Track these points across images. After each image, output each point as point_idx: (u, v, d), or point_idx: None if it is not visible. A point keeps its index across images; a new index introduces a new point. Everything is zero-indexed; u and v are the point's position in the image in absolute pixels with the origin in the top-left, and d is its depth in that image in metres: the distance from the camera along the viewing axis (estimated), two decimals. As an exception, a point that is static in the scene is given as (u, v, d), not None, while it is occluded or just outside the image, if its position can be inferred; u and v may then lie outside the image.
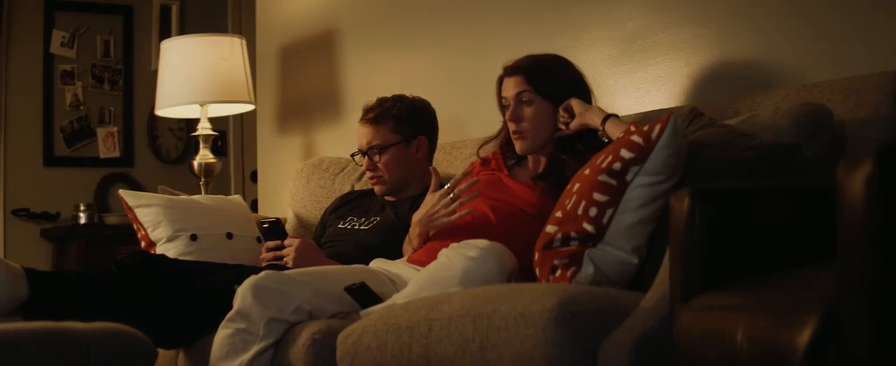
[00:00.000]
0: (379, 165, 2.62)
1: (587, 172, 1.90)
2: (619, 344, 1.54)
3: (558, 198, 2.03)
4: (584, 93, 2.25)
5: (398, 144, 2.61)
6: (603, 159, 1.87)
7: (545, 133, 2.22)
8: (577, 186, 1.91)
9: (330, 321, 2.05)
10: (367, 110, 2.66)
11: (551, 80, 2.24)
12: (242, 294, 2.04)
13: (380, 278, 2.23)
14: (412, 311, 1.83)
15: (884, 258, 0.99)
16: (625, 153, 1.82)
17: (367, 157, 2.64)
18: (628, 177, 1.82)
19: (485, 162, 2.41)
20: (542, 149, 2.25)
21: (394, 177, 2.62)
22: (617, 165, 1.83)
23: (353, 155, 2.73)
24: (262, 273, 2.09)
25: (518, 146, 2.25)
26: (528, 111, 2.22)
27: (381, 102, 2.66)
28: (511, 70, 2.26)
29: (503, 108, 2.29)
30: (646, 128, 1.82)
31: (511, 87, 2.24)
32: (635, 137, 1.82)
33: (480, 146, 2.48)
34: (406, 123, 2.63)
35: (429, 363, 1.74)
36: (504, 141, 2.37)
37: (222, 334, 2.05)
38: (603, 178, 1.84)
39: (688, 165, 1.86)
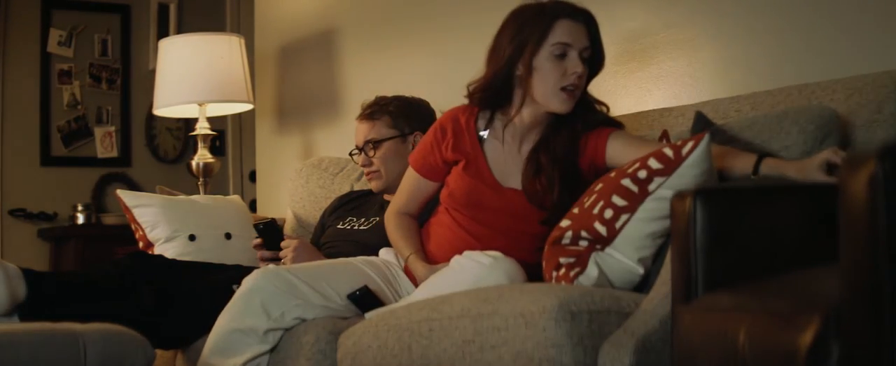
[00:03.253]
0: (374, 159, 2.62)
1: (613, 174, 1.88)
2: (619, 345, 1.53)
3: (559, 207, 1.97)
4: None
5: (394, 139, 2.62)
6: (630, 165, 1.84)
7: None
8: (599, 186, 1.88)
9: (335, 320, 2.05)
10: (364, 108, 2.68)
11: (601, 47, 2.06)
12: (248, 296, 2.02)
13: (381, 270, 2.22)
14: (413, 312, 1.82)
15: (886, 259, 0.99)
16: (653, 163, 1.80)
17: (362, 153, 2.64)
18: (651, 187, 1.79)
19: (456, 129, 2.15)
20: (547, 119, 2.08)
21: (390, 172, 2.61)
22: (642, 173, 1.80)
23: (351, 153, 2.73)
24: (270, 271, 2.06)
25: (568, 105, 2.02)
26: (583, 70, 2.02)
27: (379, 99, 2.68)
28: (582, 17, 2.02)
29: (518, 45, 2.00)
30: (679, 143, 1.80)
31: (582, 37, 2.01)
32: (667, 150, 1.80)
33: (472, 92, 2.13)
34: (402, 118, 2.64)
35: (429, 364, 1.74)
36: (493, 90, 2.07)
37: (221, 324, 2.04)
38: (626, 182, 1.81)
39: None
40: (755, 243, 1.39)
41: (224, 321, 2.05)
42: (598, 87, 2.61)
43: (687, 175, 1.76)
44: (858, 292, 1.02)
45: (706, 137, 1.77)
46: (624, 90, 2.55)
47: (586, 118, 2.08)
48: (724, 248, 1.36)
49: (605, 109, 2.14)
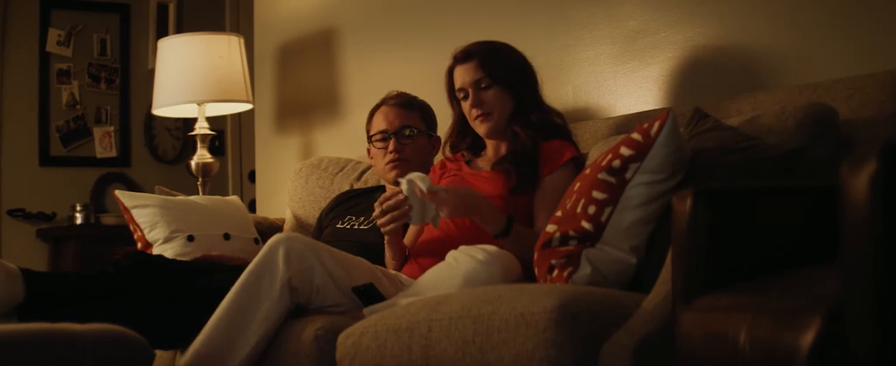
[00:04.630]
0: (408, 147, 2.59)
1: (588, 171, 1.90)
2: (620, 345, 1.53)
3: (524, 179, 2.17)
4: (532, 78, 2.33)
5: (425, 134, 2.65)
6: (604, 158, 1.86)
7: (506, 115, 2.29)
8: (577, 185, 1.91)
9: (334, 318, 2.04)
10: (393, 96, 2.67)
11: (504, 65, 2.31)
12: (271, 248, 2.03)
13: (391, 278, 2.22)
14: (412, 312, 1.82)
15: (887, 259, 0.99)
16: (624, 150, 1.82)
17: (393, 138, 2.59)
18: (628, 175, 1.81)
19: (443, 166, 2.44)
20: (504, 132, 2.32)
21: (415, 165, 2.57)
22: (616, 163, 1.82)
23: (371, 137, 2.66)
24: (292, 233, 2.12)
25: (483, 128, 2.30)
26: (488, 95, 2.28)
27: (405, 93, 2.69)
28: (463, 57, 2.32)
29: (455, 99, 2.35)
30: (646, 125, 1.82)
31: (468, 74, 2.29)
32: (635, 135, 1.82)
33: (444, 142, 2.50)
34: (428, 118, 2.68)
35: (429, 364, 1.74)
36: (456, 133, 2.41)
37: (239, 282, 2.05)
38: (603, 176, 1.84)
39: (690, 168, 1.85)
40: (755, 243, 1.39)
41: (245, 276, 2.05)
42: (599, 87, 2.61)
43: (659, 156, 1.79)
44: (859, 292, 1.02)
45: (670, 115, 1.79)
46: (624, 90, 2.55)
47: (536, 131, 2.27)
48: (724, 248, 1.36)
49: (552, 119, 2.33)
